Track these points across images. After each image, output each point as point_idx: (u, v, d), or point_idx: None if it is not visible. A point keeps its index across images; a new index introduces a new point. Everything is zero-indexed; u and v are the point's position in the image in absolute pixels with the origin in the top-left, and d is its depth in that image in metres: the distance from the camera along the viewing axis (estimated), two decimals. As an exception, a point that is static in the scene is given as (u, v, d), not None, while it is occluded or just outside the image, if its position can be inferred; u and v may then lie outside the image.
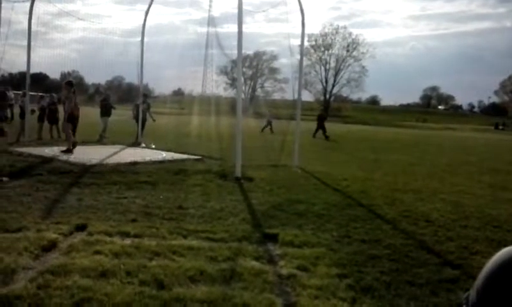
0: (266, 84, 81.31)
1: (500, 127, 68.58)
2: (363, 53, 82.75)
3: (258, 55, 76.51)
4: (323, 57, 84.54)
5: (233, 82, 65.80)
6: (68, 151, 11.88)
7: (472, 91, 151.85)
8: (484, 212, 7.40)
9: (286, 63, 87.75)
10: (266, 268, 4.30)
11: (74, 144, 12.18)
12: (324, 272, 4.24)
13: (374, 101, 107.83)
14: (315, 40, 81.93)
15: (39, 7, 14.65)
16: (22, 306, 3.30)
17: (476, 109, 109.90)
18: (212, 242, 4.99)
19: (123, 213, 6.02)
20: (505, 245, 0.91)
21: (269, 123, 27.04)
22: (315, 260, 4.55)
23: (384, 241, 5.40)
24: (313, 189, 8.62)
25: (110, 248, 4.51)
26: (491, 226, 6.48)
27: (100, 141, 16.15)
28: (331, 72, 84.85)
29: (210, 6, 37.73)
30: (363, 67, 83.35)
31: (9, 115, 16.09)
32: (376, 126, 53.13)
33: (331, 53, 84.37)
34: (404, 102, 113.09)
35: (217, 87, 70.01)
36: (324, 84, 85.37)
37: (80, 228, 5.25)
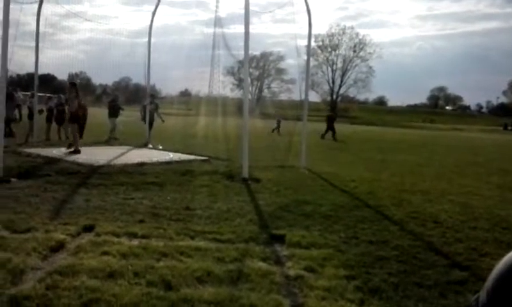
0: (273, 85, 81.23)
1: (510, 128, 67.92)
2: (370, 53, 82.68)
3: (265, 55, 76.46)
4: (330, 58, 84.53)
5: (240, 83, 65.77)
6: (76, 151, 11.95)
7: (479, 91, 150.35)
8: (493, 213, 7.35)
9: (293, 64, 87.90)
10: (273, 269, 4.29)
11: (76, 151, 12.03)
12: (331, 273, 4.22)
13: (381, 101, 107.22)
14: (322, 41, 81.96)
15: (47, 9, 14.82)
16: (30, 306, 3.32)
17: (484, 110, 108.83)
18: (219, 243, 4.99)
19: (130, 214, 6.04)
20: (516, 247, 0.90)
21: (279, 124, 26.99)
22: (322, 261, 4.53)
23: (392, 242, 5.38)
24: (321, 190, 8.60)
25: (118, 249, 4.52)
26: (500, 227, 6.43)
27: (109, 141, 16.27)
28: (338, 73, 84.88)
29: (216, 6, 37.99)
30: (370, 67, 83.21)
31: (17, 116, 16.21)
32: (383, 127, 52.93)
33: (338, 53, 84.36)
34: (412, 102, 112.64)
35: (224, 88, 70.29)
36: (331, 85, 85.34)
37: (88, 228, 5.28)
